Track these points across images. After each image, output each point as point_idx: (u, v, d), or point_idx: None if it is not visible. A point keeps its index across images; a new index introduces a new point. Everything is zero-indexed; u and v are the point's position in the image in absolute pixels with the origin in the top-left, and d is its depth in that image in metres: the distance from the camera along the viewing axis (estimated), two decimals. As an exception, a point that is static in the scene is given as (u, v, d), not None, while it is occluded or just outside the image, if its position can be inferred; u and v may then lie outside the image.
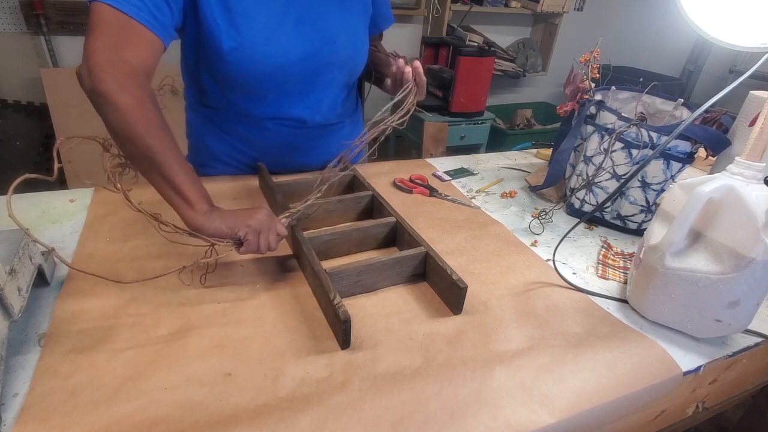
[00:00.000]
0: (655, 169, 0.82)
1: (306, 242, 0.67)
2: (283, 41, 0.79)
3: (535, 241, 0.84)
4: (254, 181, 0.94)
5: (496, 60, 2.59)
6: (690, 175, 0.70)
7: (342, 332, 0.55)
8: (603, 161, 0.85)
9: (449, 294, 0.64)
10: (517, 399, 0.51)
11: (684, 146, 0.80)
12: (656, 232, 0.63)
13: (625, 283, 0.74)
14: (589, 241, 0.86)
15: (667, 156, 0.80)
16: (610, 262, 0.80)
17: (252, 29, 0.76)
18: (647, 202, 0.85)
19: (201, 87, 0.86)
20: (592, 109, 0.90)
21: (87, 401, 0.47)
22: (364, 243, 0.75)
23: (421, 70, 0.79)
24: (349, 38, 0.87)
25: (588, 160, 0.89)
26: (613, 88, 0.96)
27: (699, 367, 0.60)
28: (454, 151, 2.42)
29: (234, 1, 0.73)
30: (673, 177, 0.82)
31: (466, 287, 0.61)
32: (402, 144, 2.75)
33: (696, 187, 0.57)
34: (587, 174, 0.89)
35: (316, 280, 0.62)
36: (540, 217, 0.91)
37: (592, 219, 0.92)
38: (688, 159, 0.81)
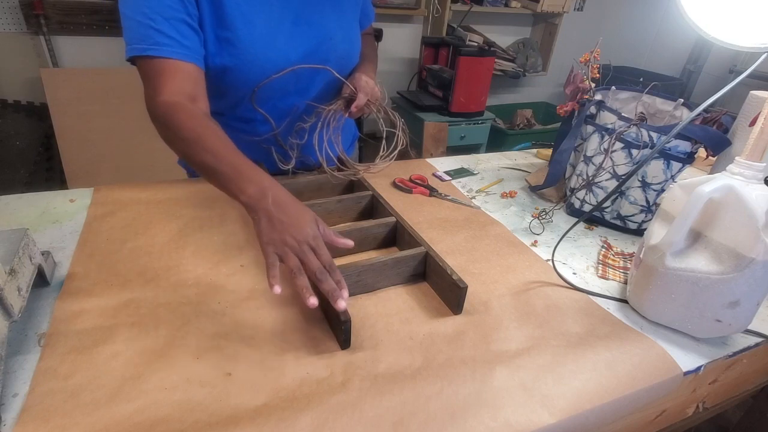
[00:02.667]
0: (655, 169, 0.82)
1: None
2: (282, 44, 0.79)
3: (535, 241, 0.84)
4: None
5: (496, 60, 2.59)
6: (690, 175, 0.70)
7: (342, 332, 0.55)
8: (603, 161, 0.85)
9: (449, 294, 0.64)
10: (517, 399, 0.51)
11: (684, 146, 0.80)
12: (656, 232, 0.63)
13: (625, 283, 0.74)
14: (589, 241, 0.86)
15: (667, 156, 0.80)
16: (610, 262, 0.79)
17: (252, 37, 0.76)
18: (647, 202, 0.85)
19: None
20: (592, 109, 0.90)
21: (87, 401, 0.47)
22: (364, 243, 0.75)
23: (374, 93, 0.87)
24: (344, 34, 0.88)
25: (588, 160, 0.89)
26: (613, 88, 0.96)
27: (699, 367, 0.60)
28: (454, 151, 2.41)
29: (231, 14, 0.73)
30: (673, 177, 0.82)
31: (467, 287, 0.61)
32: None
33: (696, 187, 0.57)
34: (587, 174, 0.89)
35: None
36: (540, 217, 0.91)
37: (593, 219, 0.92)
38: (688, 159, 0.81)
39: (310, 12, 0.82)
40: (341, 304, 0.53)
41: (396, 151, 0.87)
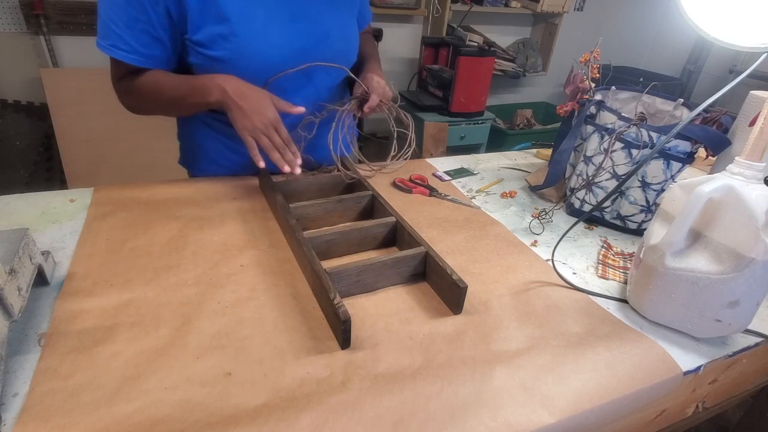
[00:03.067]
0: (655, 169, 0.82)
1: (306, 242, 0.67)
2: (278, 40, 0.80)
3: (535, 241, 0.84)
4: (254, 181, 0.94)
5: (496, 60, 2.59)
6: (690, 175, 0.70)
7: (342, 332, 0.55)
8: (603, 161, 0.85)
9: (449, 294, 0.64)
10: (517, 399, 0.51)
11: (684, 146, 0.80)
12: (656, 232, 0.63)
13: (625, 283, 0.74)
14: (589, 241, 0.86)
15: (667, 156, 0.80)
16: (610, 262, 0.80)
17: (248, 31, 0.76)
18: (647, 202, 0.85)
19: None
20: (592, 109, 0.90)
21: (87, 401, 0.47)
22: (364, 243, 0.75)
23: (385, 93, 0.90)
24: (341, 32, 0.88)
25: (588, 160, 0.89)
26: (613, 88, 0.96)
27: (699, 367, 0.60)
28: (454, 151, 2.41)
29: (227, 9, 0.74)
30: (673, 177, 0.82)
31: (466, 287, 0.61)
32: (402, 144, 2.75)
33: (696, 187, 0.57)
34: (587, 174, 0.89)
35: (316, 280, 0.62)
36: (540, 217, 0.91)
37: (593, 219, 0.92)
38: (688, 159, 0.81)
39: (308, 9, 0.82)
40: (296, 170, 0.78)
41: (410, 151, 0.88)
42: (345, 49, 0.90)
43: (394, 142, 0.89)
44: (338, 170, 0.87)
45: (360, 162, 0.94)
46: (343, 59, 0.90)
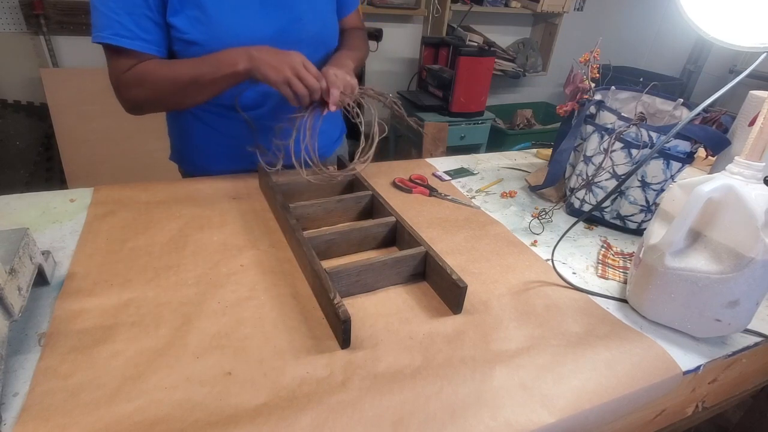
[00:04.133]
0: (654, 169, 0.82)
1: (306, 242, 0.67)
2: (251, 22, 0.81)
3: (535, 241, 0.84)
4: (254, 181, 0.94)
5: (496, 60, 2.59)
6: (690, 175, 0.70)
7: (342, 332, 0.55)
8: (603, 161, 0.85)
9: (449, 293, 0.64)
10: (517, 398, 0.51)
11: (684, 146, 0.80)
12: (656, 231, 0.63)
13: (625, 282, 0.74)
14: (589, 241, 0.86)
15: (666, 156, 0.81)
16: (609, 261, 0.80)
17: (220, 16, 0.78)
18: (647, 201, 0.85)
19: None
20: (592, 109, 0.90)
21: (87, 401, 0.47)
22: (364, 243, 0.75)
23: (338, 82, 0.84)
24: (315, 15, 0.88)
25: (588, 159, 0.89)
26: (613, 88, 0.96)
27: (699, 367, 0.60)
28: (454, 151, 2.41)
29: None
30: (672, 177, 0.82)
31: (466, 287, 0.61)
32: (402, 144, 2.75)
33: (696, 186, 0.57)
34: (587, 174, 0.89)
35: (316, 280, 0.62)
36: (540, 217, 0.91)
37: (592, 219, 0.92)
38: (688, 159, 0.81)
39: None
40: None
41: (372, 149, 0.83)
42: (320, 32, 0.90)
43: (362, 137, 0.85)
44: (316, 172, 0.83)
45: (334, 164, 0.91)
46: (318, 43, 0.91)
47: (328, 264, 0.63)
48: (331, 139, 1.07)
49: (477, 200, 0.97)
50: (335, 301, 0.55)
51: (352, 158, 0.98)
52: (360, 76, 1.08)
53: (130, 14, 0.73)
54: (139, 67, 0.77)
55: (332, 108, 0.81)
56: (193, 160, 0.98)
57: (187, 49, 0.80)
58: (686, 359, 0.60)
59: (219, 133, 0.94)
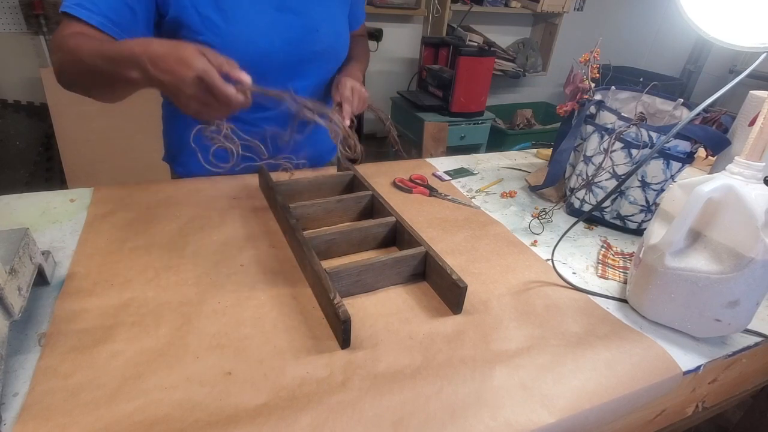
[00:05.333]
0: (654, 169, 0.82)
1: (306, 242, 0.67)
2: (266, 29, 0.80)
3: (535, 241, 0.84)
4: (254, 181, 0.94)
5: (496, 60, 2.59)
6: (690, 175, 0.70)
7: (342, 332, 0.55)
8: (603, 161, 0.85)
9: (449, 293, 0.64)
10: (517, 398, 0.51)
11: (684, 146, 0.80)
12: (656, 231, 0.63)
13: (625, 282, 0.74)
14: (589, 241, 0.86)
15: (666, 156, 0.81)
16: (609, 261, 0.80)
17: (236, 17, 0.77)
18: (647, 201, 0.85)
19: None
20: (592, 109, 0.90)
21: (87, 401, 0.47)
22: (364, 243, 0.75)
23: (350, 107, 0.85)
24: (330, 27, 0.88)
25: (588, 160, 0.89)
26: (613, 88, 0.96)
27: (699, 367, 0.60)
28: (454, 151, 2.42)
29: None
30: (672, 177, 0.82)
31: (466, 287, 0.61)
32: (402, 144, 2.75)
33: (696, 186, 0.57)
34: (587, 174, 0.89)
35: (316, 280, 0.62)
36: (540, 217, 0.91)
37: (592, 219, 0.92)
38: (688, 159, 0.81)
39: (296, 1, 0.82)
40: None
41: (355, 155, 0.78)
42: (334, 44, 0.91)
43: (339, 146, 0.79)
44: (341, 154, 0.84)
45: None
46: (331, 55, 0.91)
47: (328, 264, 0.63)
48: (329, 145, 1.06)
49: (477, 200, 0.97)
50: (335, 301, 0.55)
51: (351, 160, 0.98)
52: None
53: None
54: (81, 35, 0.66)
55: (346, 122, 0.82)
56: (186, 162, 0.98)
57: None
58: (686, 359, 0.60)
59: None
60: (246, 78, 0.57)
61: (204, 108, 0.55)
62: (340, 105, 0.85)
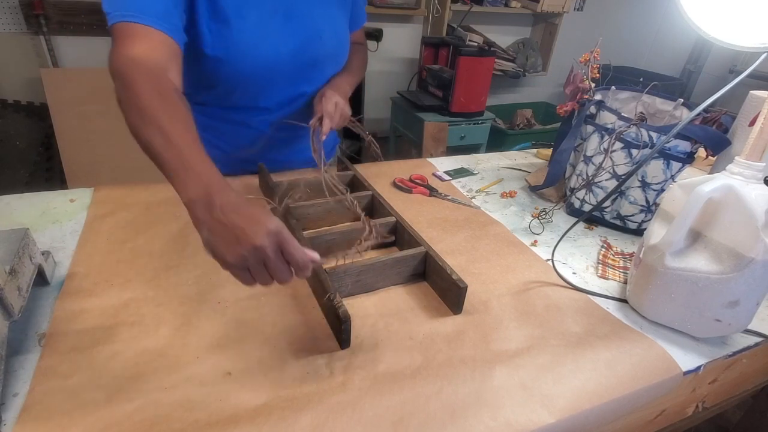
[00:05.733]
0: (655, 169, 0.82)
1: (306, 242, 0.67)
2: (273, 38, 0.80)
3: (535, 241, 0.84)
4: (254, 181, 0.94)
5: (496, 60, 2.59)
6: (690, 175, 0.70)
7: (342, 332, 0.55)
8: (603, 161, 0.85)
9: (449, 294, 0.64)
10: (517, 398, 0.51)
11: (684, 146, 0.80)
12: (656, 231, 0.63)
13: (625, 282, 0.74)
14: (589, 241, 0.86)
15: (667, 156, 0.80)
16: (610, 261, 0.80)
17: (243, 30, 0.76)
18: (647, 201, 0.85)
19: None
20: (592, 109, 0.90)
21: (87, 401, 0.47)
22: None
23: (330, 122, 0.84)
24: (333, 32, 0.88)
25: (588, 160, 0.89)
26: (613, 88, 0.96)
27: (699, 367, 0.60)
28: (454, 151, 2.42)
29: (224, 5, 0.73)
30: (673, 177, 0.82)
31: (466, 287, 0.61)
32: (402, 144, 2.75)
33: (696, 187, 0.57)
34: (587, 174, 0.89)
35: (316, 280, 0.62)
36: (540, 217, 0.91)
37: (592, 219, 0.92)
38: (688, 159, 0.81)
39: (300, 8, 0.82)
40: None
41: (370, 241, 0.62)
42: (336, 49, 0.90)
43: (366, 229, 0.64)
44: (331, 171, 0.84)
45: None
46: (333, 60, 0.91)
47: (328, 264, 0.63)
48: (324, 150, 1.06)
49: (477, 200, 0.97)
50: (335, 302, 0.55)
51: (350, 158, 0.99)
52: (358, 91, 1.07)
53: None
54: (141, 68, 0.59)
55: (323, 137, 0.82)
56: None
57: (209, 65, 0.76)
58: (686, 359, 0.60)
59: (212, 136, 0.93)
60: (316, 255, 0.49)
61: (257, 268, 0.45)
62: (320, 119, 0.84)
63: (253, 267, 0.45)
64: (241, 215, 0.45)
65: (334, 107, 0.84)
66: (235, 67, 0.78)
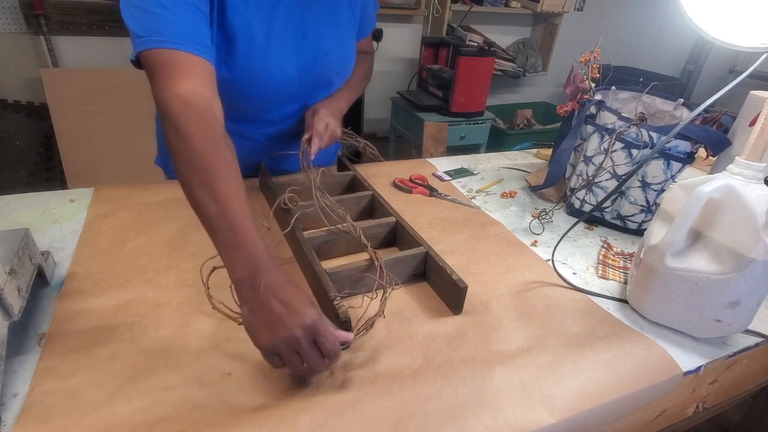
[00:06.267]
0: (655, 169, 0.82)
1: (306, 242, 0.67)
2: (280, 58, 0.79)
3: (535, 241, 0.84)
4: (254, 181, 0.94)
5: (496, 60, 2.59)
6: (690, 175, 0.70)
7: (342, 332, 0.54)
8: (603, 161, 0.85)
9: (449, 294, 0.64)
10: (517, 399, 0.51)
11: (684, 146, 0.80)
12: (656, 232, 0.63)
13: (625, 283, 0.74)
14: (589, 241, 0.86)
15: (667, 156, 0.80)
16: (610, 262, 0.79)
17: (251, 50, 0.74)
18: (647, 202, 0.85)
19: None
20: (592, 109, 0.90)
21: (87, 401, 0.47)
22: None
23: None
24: (340, 50, 0.87)
25: (588, 160, 0.89)
26: (613, 88, 0.96)
27: (699, 367, 0.60)
28: (454, 151, 2.41)
29: (233, 24, 0.72)
30: (673, 177, 0.82)
31: (467, 287, 0.61)
32: (402, 144, 2.75)
33: (696, 187, 0.57)
34: (587, 174, 0.89)
35: (316, 280, 0.62)
36: (540, 217, 0.91)
37: (593, 219, 0.92)
38: (688, 159, 0.81)
39: (309, 27, 0.81)
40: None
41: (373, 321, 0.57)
42: (342, 66, 0.90)
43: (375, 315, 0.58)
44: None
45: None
46: (339, 77, 0.90)
47: (328, 264, 0.63)
48: (326, 156, 1.05)
49: (477, 200, 0.97)
50: (335, 302, 0.55)
51: (350, 159, 0.99)
52: (358, 103, 1.06)
53: (186, 11, 0.61)
54: (193, 113, 0.57)
55: (312, 156, 0.81)
56: None
57: (222, 86, 0.70)
58: (687, 360, 0.60)
59: None
60: (350, 336, 0.52)
61: (289, 355, 0.47)
62: (310, 138, 0.82)
63: (284, 353, 0.47)
64: (282, 302, 0.48)
65: (324, 128, 0.83)
66: (241, 85, 0.77)
